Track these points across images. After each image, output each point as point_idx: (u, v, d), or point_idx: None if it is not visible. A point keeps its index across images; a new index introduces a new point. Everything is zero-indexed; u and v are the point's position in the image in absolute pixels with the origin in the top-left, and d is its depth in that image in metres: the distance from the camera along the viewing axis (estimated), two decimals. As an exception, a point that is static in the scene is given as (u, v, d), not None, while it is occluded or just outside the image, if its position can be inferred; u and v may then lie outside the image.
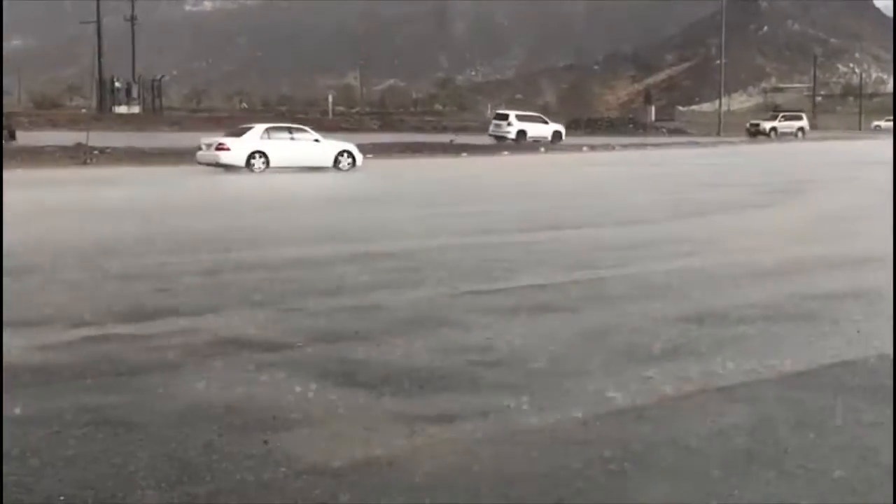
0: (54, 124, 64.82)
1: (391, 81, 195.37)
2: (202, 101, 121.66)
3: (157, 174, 31.72)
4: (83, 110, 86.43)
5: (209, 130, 61.55)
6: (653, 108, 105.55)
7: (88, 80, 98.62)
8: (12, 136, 44.89)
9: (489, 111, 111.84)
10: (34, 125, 64.64)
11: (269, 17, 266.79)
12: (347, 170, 33.36)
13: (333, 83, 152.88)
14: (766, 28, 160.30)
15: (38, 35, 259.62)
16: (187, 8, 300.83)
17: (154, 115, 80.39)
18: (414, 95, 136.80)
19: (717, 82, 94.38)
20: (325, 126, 68.68)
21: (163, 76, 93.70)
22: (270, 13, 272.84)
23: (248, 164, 32.20)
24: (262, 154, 32.49)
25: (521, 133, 57.81)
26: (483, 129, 64.15)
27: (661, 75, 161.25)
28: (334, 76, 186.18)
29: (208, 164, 32.63)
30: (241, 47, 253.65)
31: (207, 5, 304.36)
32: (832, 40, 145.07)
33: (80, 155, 36.54)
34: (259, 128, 34.48)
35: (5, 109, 54.71)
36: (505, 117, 60.84)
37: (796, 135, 74.03)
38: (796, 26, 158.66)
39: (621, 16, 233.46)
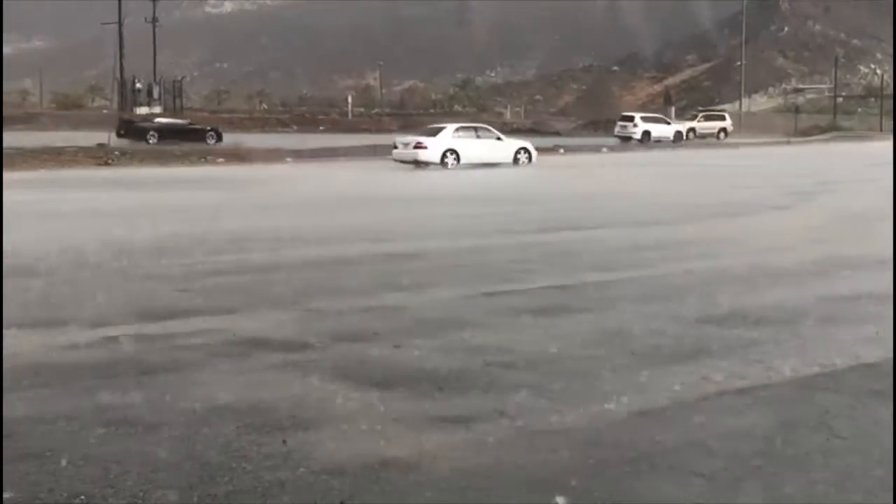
0: (76, 125, 65.14)
1: (411, 82, 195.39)
2: (222, 102, 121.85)
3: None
4: (104, 111, 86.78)
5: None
6: (673, 109, 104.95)
7: (110, 80, 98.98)
8: (219, 138, 50.91)
9: (508, 112, 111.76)
10: (56, 125, 65.06)
11: (289, 18, 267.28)
12: (525, 165, 37.01)
13: (353, 84, 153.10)
14: (786, 29, 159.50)
15: (60, 36, 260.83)
16: (208, 9, 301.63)
17: (175, 116, 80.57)
18: (433, 96, 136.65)
19: (738, 83, 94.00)
20: (345, 127, 68.83)
21: (183, 77, 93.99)
22: (290, 14, 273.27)
23: (443, 161, 35.56)
24: (454, 152, 35.91)
25: (646, 133, 61.91)
26: (502, 131, 64.61)
27: (682, 76, 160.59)
28: (354, 77, 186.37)
29: (404, 161, 36.02)
30: (261, 48, 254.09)
31: (228, 6, 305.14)
32: (853, 41, 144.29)
33: (101, 155, 36.71)
34: (450, 128, 38.17)
35: (29, 109, 55.45)
36: (631, 119, 65.69)
37: (717, 136, 69.83)
38: (817, 27, 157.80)
39: (641, 17, 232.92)
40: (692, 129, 69.28)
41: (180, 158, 38.15)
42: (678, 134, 63.85)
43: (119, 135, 50.69)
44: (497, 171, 34.67)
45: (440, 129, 37.87)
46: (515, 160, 37.14)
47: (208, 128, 53.79)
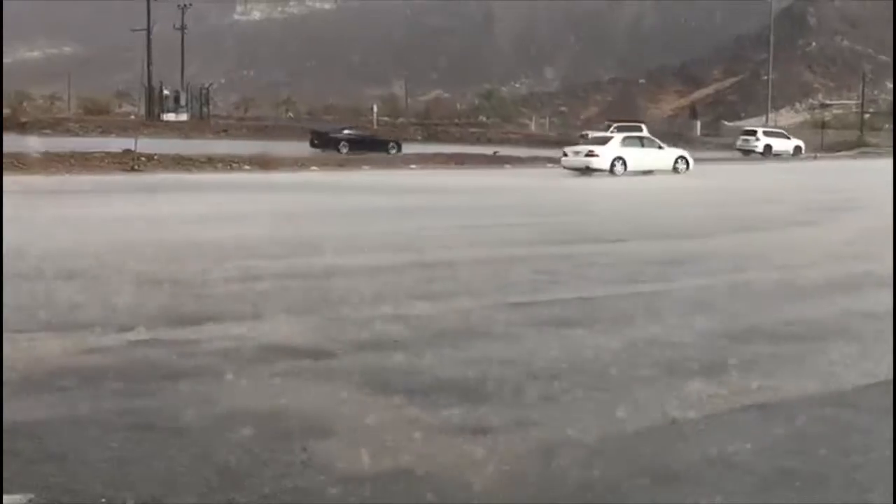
0: (103, 130, 65.56)
1: (436, 92, 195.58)
2: (249, 110, 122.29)
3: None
4: (132, 117, 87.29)
5: (256, 139, 62.17)
6: (698, 123, 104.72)
7: (137, 87, 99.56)
8: (399, 148, 55.40)
9: (533, 123, 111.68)
10: (83, 130, 65.50)
11: (315, 28, 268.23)
12: (683, 173, 39.58)
13: (378, 93, 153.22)
14: (813, 44, 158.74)
15: (88, 42, 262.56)
16: (236, 17, 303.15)
17: (201, 123, 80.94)
18: (458, 106, 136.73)
19: (764, 98, 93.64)
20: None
21: (211, 84, 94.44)
22: (317, 23, 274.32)
23: (612, 168, 38.11)
24: (622, 160, 38.50)
25: (768, 147, 64.26)
26: (527, 142, 65.36)
27: (708, 90, 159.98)
28: (380, 86, 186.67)
29: (574, 169, 38.57)
30: (288, 56, 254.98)
31: (256, 15, 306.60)
32: (881, 57, 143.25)
33: (128, 161, 36.88)
34: (618, 137, 41.62)
35: (57, 114, 56.13)
36: (753, 133, 68.11)
37: None
38: (845, 42, 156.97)
39: (667, 30, 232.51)
40: None
41: (202, 165, 38.18)
42: (797, 148, 66.46)
43: (312, 144, 55.19)
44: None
45: (609, 139, 41.25)
46: (675, 168, 39.89)
47: (390, 140, 58.58)
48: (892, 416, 6.00)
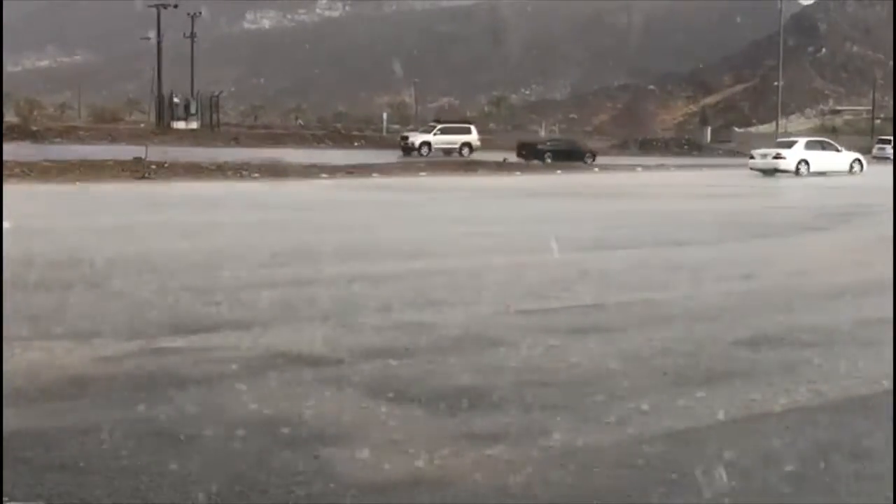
0: (114, 138, 65.76)
1: (446, 99, 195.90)
2: (259, 118, 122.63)
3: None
4: (142, 125, 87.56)
5: (266, 147, 62.35)
6: (709, 129, 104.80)
7: (148, 95, 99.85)
8: (594, 158, 59.83)
9: (542, 130, 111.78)
10: (94, 139, 65.72)
11: (326, 36, 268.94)
12: (857, 174, 43.29)
13: (388, 101, 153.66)
14: (824, 50, 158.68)
15: (99, 50, 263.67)
16: (246, 25, 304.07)
17: (212, 131, 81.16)
18: (468, 113, 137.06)
19: (775, 104, 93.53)
20: (380, 143, 69.18)
21: (221, 92, 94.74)
22: (327, 31, 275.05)
23: (797, 170, 42.51)
24: (806, 162, 42.85)
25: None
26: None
27: (718, 96, 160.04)
28: (389, 94, 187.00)
29: (762, 170, 43.24)
30: (298, 64, 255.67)
31: (266, 23, 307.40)
32: (891, 63, 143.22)
33: (139, 169, 36.98)
34: (802, 141, 46.03)
35: (67, 122, 56.37)
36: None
37: (461, 152, 62.46)
38: (855, 48, 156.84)
39: (677, 36, 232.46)
40: (427, 143, 63.36)
41: (213, 173, 38.29)
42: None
43: (519, 155, 58.73)
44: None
45: (793, 143, 45.51)
46: (850, 169, 43.67)
47: (588, 151, 62.77)
48: (893, 425, 5.96)
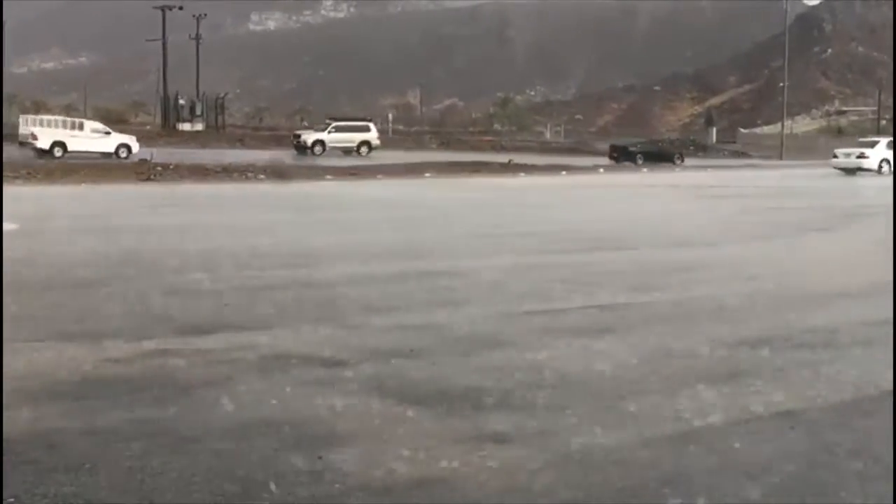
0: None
1: (450, 101, 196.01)
2: (264, 119, 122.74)
3: None
4: (147, 127, 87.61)
5: (271, 148, 62.27)
6: (714, 130, 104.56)
7: (153, 97, 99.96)
8: (682, 159, 63.28)
9: (548, 131, 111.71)
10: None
11: (331, 37, 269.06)
12: (887, 174, 45.15)
13: (393, 102, 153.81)
14: (830, 51, 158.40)
15: (104, 52, 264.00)
16: (251, 27, 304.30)
17: (217, 133, 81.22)
18: (473, 115, 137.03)
19: (780, 105, 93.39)
20: (385, 145, 69.14)
21: (226, 94, 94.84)
22: (332, 33, 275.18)
23: (879, 168, 46.10)
24: (888, 161, 46.34)
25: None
26: (543, 149, 66.20)
27: (723, 97, 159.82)
28: (394, 95, 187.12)
29: (845, 169, 46.42)
30: (302, 66, 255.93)
31: (271, 24, 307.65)
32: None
33: (144, 170, 37.05)
34: (884, 141, 49.02)
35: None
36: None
37: (358, 151, 59.93)
38: (861, 49, 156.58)
39: (683, 37, 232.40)
40: (320, 142, 60.33)
41: (218, 174, 38.31)
42: None
43: (611, 157, 61.16)
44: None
45: (876, 143, 48.83)
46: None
47: (676, 153, 65.34)
48: (892, 426, 5.96)
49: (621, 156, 61.05)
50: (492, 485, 5.06)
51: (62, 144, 49.12)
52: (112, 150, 49.47)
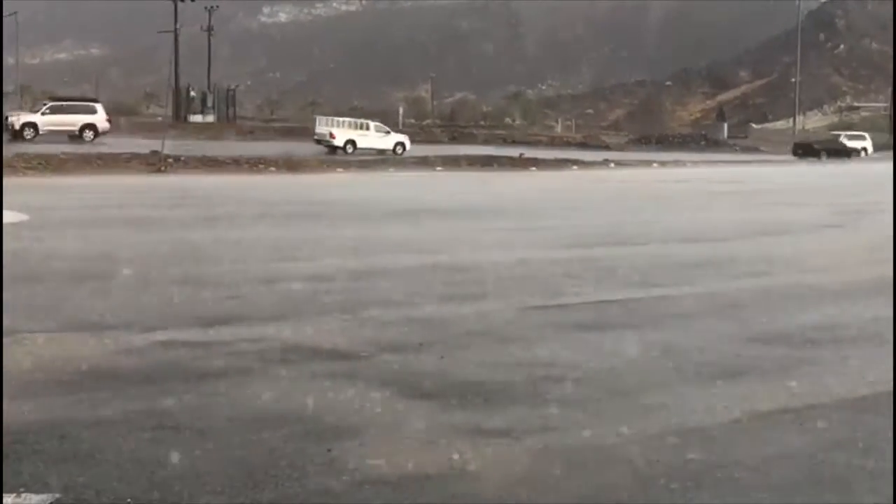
0: (130, 132, 65.79)
1: (462, 94, 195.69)
2: (275, 111, 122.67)
3: None
4: (159, 118, 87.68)
5: (281, 140, 62.26)
6: (725, 125, 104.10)
7: (164, 88, 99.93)
8: (864, 153, 68.83)
9: (558, 125, 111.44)
10: (111, 132, 65.73)
11: (341, 30, 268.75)
12: None
13: (405, 95, 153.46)
14: (842, 46, 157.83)
15: (116, 44, 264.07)
16: (263, 19, 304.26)
17: (228, 125, 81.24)
18: (484, 108, 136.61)
19: (792, 100, 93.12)
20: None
21: (237, 86, 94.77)
22: (344, 25, 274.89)
23: None
24: None
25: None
26: (553, 144, 66.10)
27: (735, 92, 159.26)
28: (405, 88, 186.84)
29: None
30: (313, 58, 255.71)
31: (282, 17, 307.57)
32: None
33: (155, 162, 37.02)
34: None
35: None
36: None
37: (81, 135, 50.98)
38: (873, 45, 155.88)
39: (694, 32, 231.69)
40: (31, 125, 50.84)
41: (229, 166, 38.32)
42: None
43: (795, 153, 65.91)
44: None
45: None
46: None
47: (856, 149, 68.39)
48: (892, 424, 5.95)
49: (806, 152, 66.01)
50: (501, 478, 5.07)
51: (353, 142, 55.02)
52: (391, 147, 55.27)
